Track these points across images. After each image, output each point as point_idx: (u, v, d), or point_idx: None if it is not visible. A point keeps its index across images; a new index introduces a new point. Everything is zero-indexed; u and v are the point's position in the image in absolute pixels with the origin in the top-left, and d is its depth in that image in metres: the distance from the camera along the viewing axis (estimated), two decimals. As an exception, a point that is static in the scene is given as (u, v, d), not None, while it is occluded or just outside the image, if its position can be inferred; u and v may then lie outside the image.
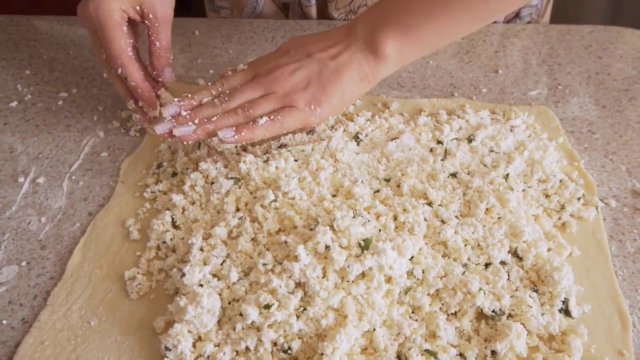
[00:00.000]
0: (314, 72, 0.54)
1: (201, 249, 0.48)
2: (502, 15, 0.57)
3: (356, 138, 0.58)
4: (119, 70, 0.56)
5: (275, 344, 0.42)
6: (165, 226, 0.51)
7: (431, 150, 0.57)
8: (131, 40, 0.57)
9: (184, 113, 0.53)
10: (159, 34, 0.58)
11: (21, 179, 0.58)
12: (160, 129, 0.51)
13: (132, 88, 0.57)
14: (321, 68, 0.54)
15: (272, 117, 0.52)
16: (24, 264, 0.50)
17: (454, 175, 0.54)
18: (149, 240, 0.51)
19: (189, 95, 0.54)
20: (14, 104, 0.68)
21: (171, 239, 0.50)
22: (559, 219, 0.52)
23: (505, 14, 0.57)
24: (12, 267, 0.50)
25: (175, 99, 0.54)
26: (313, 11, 0.81)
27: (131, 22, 0.58)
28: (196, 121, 0.52)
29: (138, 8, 0.57)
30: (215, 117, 0.52)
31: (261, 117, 0.52)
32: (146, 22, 0.58)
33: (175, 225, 0.52)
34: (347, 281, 0.44)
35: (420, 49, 0.56)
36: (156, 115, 0.58)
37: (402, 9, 0.54)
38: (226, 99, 0.53)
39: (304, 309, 0.43)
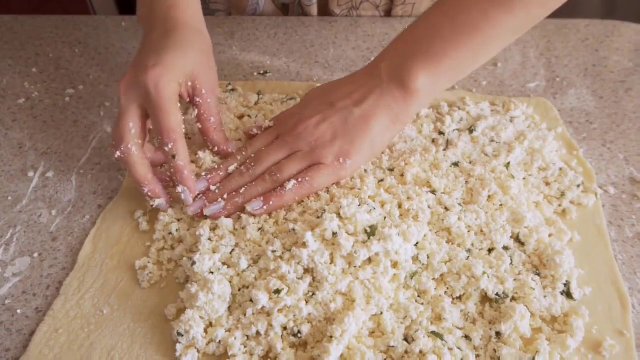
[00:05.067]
0: (339, 122, 0.51)
1: (209, 239, 0.49)
2: (534, 24, 0.53)
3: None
4: (169, 146, 0.50)
5: (285, 328, 0.43)
6: (170, 218, 0.52)
7: (433, 140, 0.58)
8: (183, 118, 0.53)
9: (212, 188, 0.52)
10: (212, 110, 0.55)
11: (31, 174, 0.59)
12: (192, 210, 0.51)
13: (177, 168, 0.51)
14: (346, 117, 0.51)
15: (299, 180, 0.50)
16: (36, 255, 0.51)
17: (456, 164, 0.55)
18: (155, 232, 0.52)
19: (217, 167, 0.53)
20: (21, 101, 0.69)
21: (177, 230, 0.51)
22: (560, 205, 0.53)
23: (533, 24, 0.53)
24: (24, 259, 0.51)
25: (203, 173, 0.53)
26: (314, 10, 0.82)
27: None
28: (225, 195, 0.51)
29: (190, 84, 0.54)
30: (243, 189, 0.51)
31: (289, 180, 0.50)
32: (197, 99, 0.54)
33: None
34: (355, 266, 0.45)
35: (451, 77, 0.53)
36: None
37: (428, 37, 0.51)
38: (252, 164, 0.52)
39: (313, 294, 0.44)
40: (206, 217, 0.51)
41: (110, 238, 0.52)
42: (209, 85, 0.55)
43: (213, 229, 0.50)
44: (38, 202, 0.56)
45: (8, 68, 0.75)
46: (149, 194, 0.52)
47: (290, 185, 0.50)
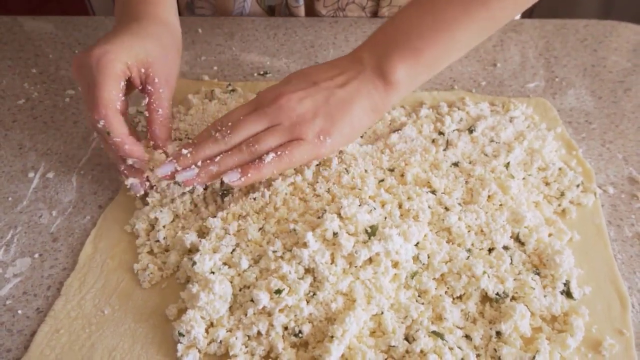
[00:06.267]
0: (321, 100, 0.51)
1: (213, 238, 0.49)
2: (506, 22, 0.54)
3: (360, 130, 0.60)
4: (101, 123, 0.49)
5: (286, 328, 0.43)
6: (146, 221, 0.51)
7: (433, 141, 0.59)
8: (123, 98, 0.51)
9: (184, 152, 0.49)
10: (162, 101, 0.53)
11: (31, 174, 0.59)
12: (161, 171, 0.49)
13: (117, 145, 0.50)
14: (328, 96, 0.51)
15: (279, 153, 0.49)
16: (36, 256, 0.51)
17: (456, 164, 0.55)
18: (138, 237, 0.51)
19: (190, 142, 0.52)
20: (21, 101, 0.69)
21: (164, 238, 0.50)
22: (559, 205, 0.53)
23: (509, 19, 0.54)
24: (25, 259, 0.51)
25: (175, 142, 0.52)
26: (301, 11, 0.82)
27: (128, 86, 0.53)
28: (199, 163, 0.49)
29: (143, 70, 0.52)
30: (218, 157, 0.49)
31: (267, 153, 0.49)
32: (148, 87, 0.53)
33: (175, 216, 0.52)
34: (355, 266, 0.45)
35: (429, 70, 0.54)
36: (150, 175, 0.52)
37: (408, 32, 0.52)
38: (229, 132, 0.50)
39: (314, 294, 0.44)
40: (178, 184, 0.49)
41: (110, 238, 0.52)
42: (164, 76, 0.54)
43: (224, 219, 0.50)
44: (38, 203, 0.56)
45: (8, 69, 0.75)
46: (135, 154, 0.51)
47: (269, 158, 0.48)
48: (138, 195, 0.53)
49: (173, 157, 0.50)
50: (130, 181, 0.51)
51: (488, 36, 0.55)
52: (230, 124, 0.51)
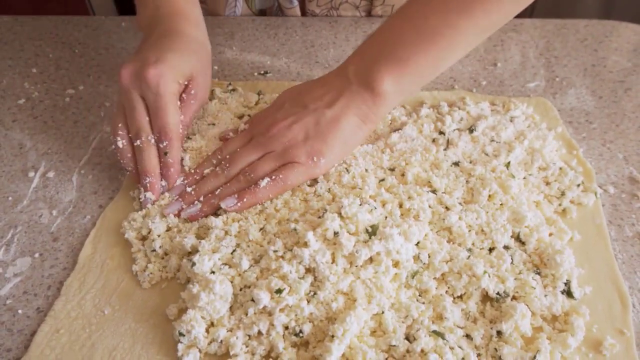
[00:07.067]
0: (311, 123, 0.52)
1: (215, 237, 0.49)
2: (495, 29, 0.54)
3: (360, 130, 0.60)
4: (164, 144, 0.53)
5: (286, 327, 0.43)
6: (152, 233, 0.51)
7: (433, 140, 0.59)
8: (182, 117, 0.55)
9: (189, 189, 0.53)
10: (188, 110, 0.56)
11: (31, 174, 0.59)
12: (169, 211, 0.52)
13: (166, 165, 0.54)
14: (318, 118, 0.53)
15: (273, 177, 0.51)
16: (37, 255, 0.51)
17: (456, 164, 0.55)
18: (132, 246, 0.51)
19: (193, 172, 0.55)
20: (21, 101, 0.69)
21: (160, 247, 0.50)
22: (560, 205, 0.53)
23: (496, 28, 0.54)
24: (25, 259, 0.51)
25: (180, 178, 0.55)
26: (297, 12, 0.82)
27: None
28: (202, 197, 0.52)
29: (185, 83, 0.56)
30: (219, 190, 0.52)
31: (262, 178, 0.51)
32: (183, 95, 0.56)
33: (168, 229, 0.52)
34: (356, 266, 0.45)
35: (418, 79, 0.54)
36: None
37: (392, 43, 0.52)
38: (227, 165, 0.53)
39: (315, 293, 0.44)
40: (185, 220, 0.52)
41: (110, 238, 0.52)
42: (200, 91, 0.57)
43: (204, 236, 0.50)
44: (39, 203, 0.56)
45: (8, 68, 0.75)
46: (149, 185, 0.53)
47: (263, 182, 0.51)
48: (144, 207, 0.54)
49: (179, 195, 0.53)
50: (148, 195, 0.53)
51: (475, 45, 0.55)
52: (228, 157, 0.54)
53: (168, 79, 0.53)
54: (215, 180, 0.53)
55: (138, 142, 0.54)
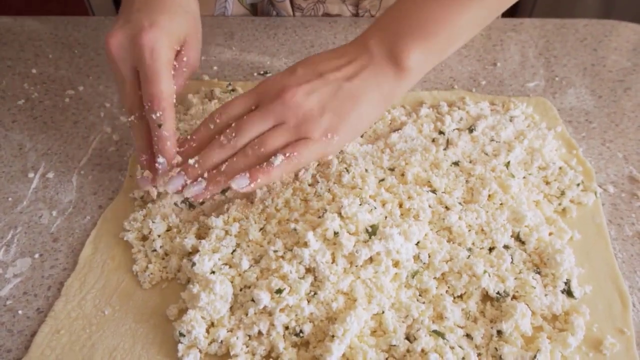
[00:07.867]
0: (328, 95, 0.49)
1: (215, 236, 0.49)
2: (509, 4, 0.53)
3: (360, 130, 0.60)
4: (157, 114, 0.49)
5: (287, 327, 0.43)
6: (152, 233, 0.51)
7: (433, 140, 0.59)
8: (175, 87, 0.51)
9: (191, 162, 0.48)
10: (179, 79, 0.52)
11: (31, 175, 0.59)
12: (171, 188, 0.48)
13: (161, 138, 0.49)
14: (336, 90, 0.49)
15: (287, 155, 0.47)
16: (37, 256, 0.51)
17: (456, 163, 0.55)
18: (132, 247, 0.51)
19: (189, 137, 0.51)
20: (21, 102, 0.69)
21: (161, 247, 0.50)
22: (559, 204, 0.53)
23: (511, 2, 0.53)
24: (25, 260, 0.51)
25: (175, 149, 0.50)
26: (287, 6, 0.80)
27: None
28: (205, 175, 0.48)
29: (177, 48, 0.52)
30: (224, 165, 0.48)
31: (274, 154, 0.47)
32: (174, 63, 0.52)
33: (169, 228, 0.52)
34: (356, 266, 0.45)
35: (440, 54, 0.52)
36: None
37: (418, 16, 0.50)
38: (233, 134, 0.48)
39: (315, 293, 0.44)
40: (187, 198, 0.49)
41: (110, 239, 0.52)
42: (192, 56, 0.53)
43: (226, 221, 0.49)
44: (38, 203, 0.56)
45: (7, 69, 0.74)
46: (145, 162, 0.51)
47: (277, 161, 0.47)
48: (142, 189, 0.53)
49: (181, 169, 0.49)
50: (145, 173, 0.51)
51: (492, 19, 0.54)
52: (234, 125, 0.49)
53: (164, 45, 0.49)
54: (221, 151, 0.48)
55: (132, 117, 0.50)
